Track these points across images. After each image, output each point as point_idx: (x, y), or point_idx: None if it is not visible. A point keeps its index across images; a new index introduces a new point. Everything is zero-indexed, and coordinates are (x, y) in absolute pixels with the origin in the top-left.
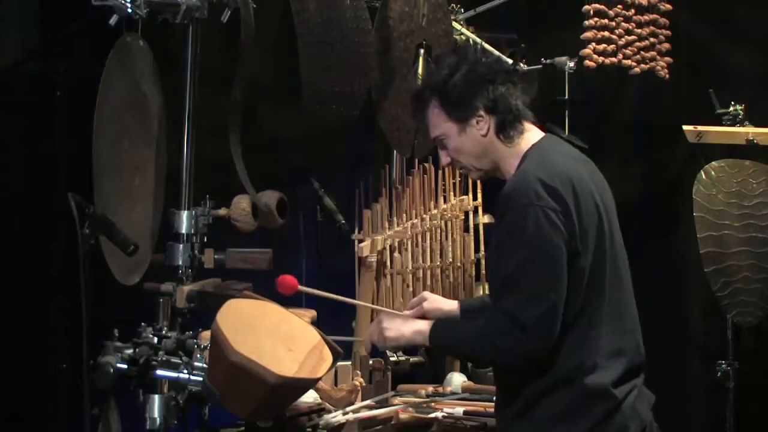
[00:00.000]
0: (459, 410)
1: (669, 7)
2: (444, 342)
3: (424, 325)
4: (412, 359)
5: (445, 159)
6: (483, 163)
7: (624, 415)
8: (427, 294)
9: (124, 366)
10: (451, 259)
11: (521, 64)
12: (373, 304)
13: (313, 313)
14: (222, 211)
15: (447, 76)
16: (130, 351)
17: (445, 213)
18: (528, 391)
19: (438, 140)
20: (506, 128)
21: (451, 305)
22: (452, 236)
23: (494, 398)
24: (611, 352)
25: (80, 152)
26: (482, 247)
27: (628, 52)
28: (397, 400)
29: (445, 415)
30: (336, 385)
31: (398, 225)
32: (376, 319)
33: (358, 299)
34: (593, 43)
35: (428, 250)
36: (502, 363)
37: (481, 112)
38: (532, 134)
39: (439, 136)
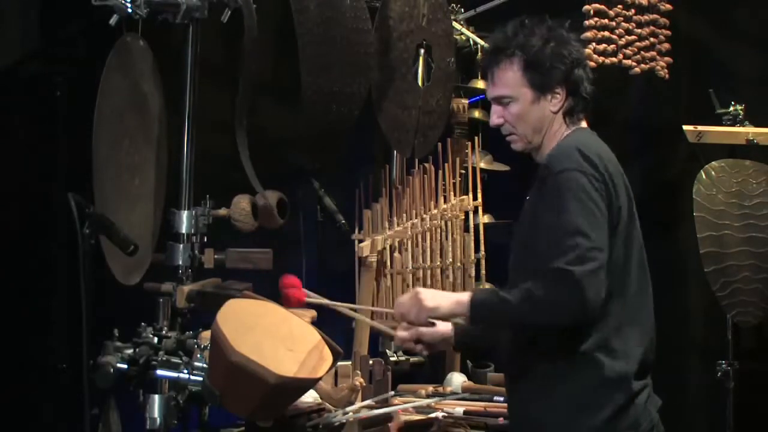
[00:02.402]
0: (459, 410)
1: (669, 7)
2: (487, 307)
3: (464, 296)
4: (412, 359)
5: (497, 119)
6: (536, 137)
7: (637, 411)
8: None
9: (124, 366)
10: (451, 259)
11: None
12: (372, 305)
13: (313, 313)
14: (222, 211)
15: (540, 44)
16: (130, 351)
17: (445, 213)
18: (546, 372)
19: (499, 99)
20: (575, 112)
21: (445, 326)
22: (452, 236)
23: (505, 383)
24: (636, 343)
25: (80, 152)
26: (482, 247)
27: (628, 52)
28: (397, 400)
29: (445, 415)
30: (336, 385)
31: (398, 225)
32: (410, 292)
33: (358, 299)
34: (593, 43)
35: (428, 250)
36: (552, 324)
37: (560, 90)
38: (581, 124)
39: (505, 96)
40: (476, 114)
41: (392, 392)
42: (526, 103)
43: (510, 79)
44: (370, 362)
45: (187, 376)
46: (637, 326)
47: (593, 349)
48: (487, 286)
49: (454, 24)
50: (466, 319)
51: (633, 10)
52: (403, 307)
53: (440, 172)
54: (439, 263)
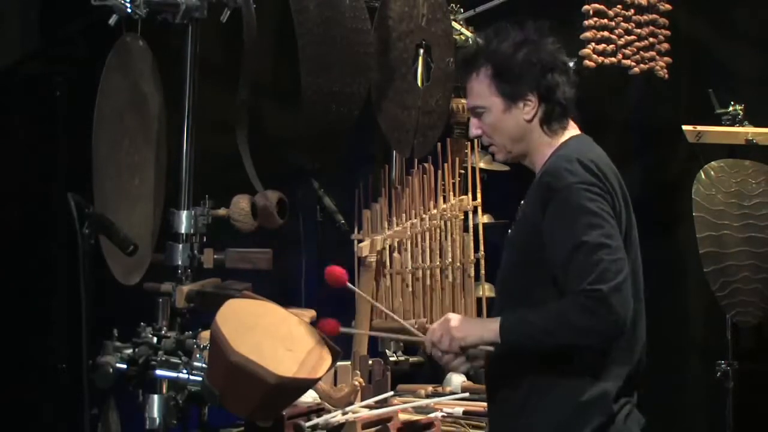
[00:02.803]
0: (459, 410)
1: (668, 7)
2: (518, 332)
3: (493, 322)
4: (411, 359)
5: (475, 131)
6: (516, 147)
7: (617, 430)
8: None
9: (124, 366)
10: (450, 259)
11: None
12: (372, 306)
13: (312, 312)
14: (222, 211)
15: (510, 51)
16: (129, 351)
17: (444, 213)
18: (526, 389)
19: (473, 110)
20: (552, 119)
21: None
22: (452, 236)
23: (486, 398)
24: (624, 362)
25: (80, 152)
26: (482, 247)
27: (627, 52)
28: (397, 400)
29: (445, 415)
30: (336, 385)
31: (398, 225)
32: (440, 319)
33: (357, 300)
34: (593, 43)
35: (428, 250)
36: (587, 345)
37: (532, 97)
38: (570, 131)
39: (478, 106)
40: None
41: (392, 392)
42: (498, 112)
43: (480, 89)
44: (370, 362)
45: (186, 376)
46: (627, 344)
47: (577, 367)
48: (487, 286)
49: (454, 24)
50: (497, 347)
51: (632, 10)
52: (435, 335)
53: (440, 172)
54: (438, 263)
